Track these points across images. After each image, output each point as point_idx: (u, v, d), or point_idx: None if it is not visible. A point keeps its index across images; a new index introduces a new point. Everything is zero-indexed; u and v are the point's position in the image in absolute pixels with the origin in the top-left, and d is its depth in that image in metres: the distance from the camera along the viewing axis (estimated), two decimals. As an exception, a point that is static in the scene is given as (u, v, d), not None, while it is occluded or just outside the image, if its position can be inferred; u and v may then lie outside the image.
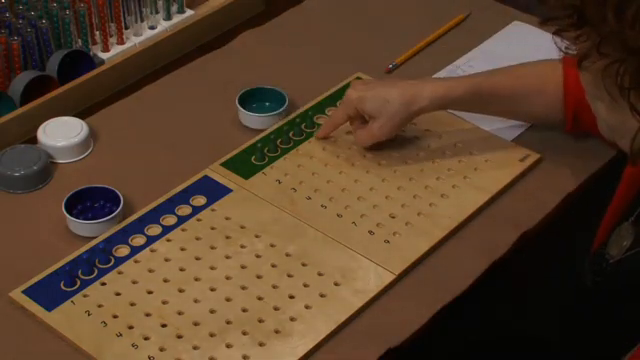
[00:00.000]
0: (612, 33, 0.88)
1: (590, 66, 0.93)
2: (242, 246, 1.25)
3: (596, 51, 0.91)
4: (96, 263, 1.21)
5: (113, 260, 1.22)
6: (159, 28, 1.61)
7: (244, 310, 1.17)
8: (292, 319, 1.16)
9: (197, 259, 1.23)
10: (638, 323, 1.05)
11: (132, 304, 1.17)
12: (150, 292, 1.19)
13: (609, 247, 1.15)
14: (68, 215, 1.26)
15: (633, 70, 0.90)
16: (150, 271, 1.21)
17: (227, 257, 1.23)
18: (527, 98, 1.35)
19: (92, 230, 1.25)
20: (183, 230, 1.27)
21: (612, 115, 0.97)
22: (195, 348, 1.13)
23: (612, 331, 1.14)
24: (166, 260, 1.23)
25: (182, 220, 1.28)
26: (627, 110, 0.92)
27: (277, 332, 1.15)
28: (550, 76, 1.34)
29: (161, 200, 1.31)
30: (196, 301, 1.18)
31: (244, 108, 1.44)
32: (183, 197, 1.31)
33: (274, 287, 1.20)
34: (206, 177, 1.34)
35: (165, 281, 1.20)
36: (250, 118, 1.44)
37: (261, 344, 1.13)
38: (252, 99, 1.46)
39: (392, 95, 1.31)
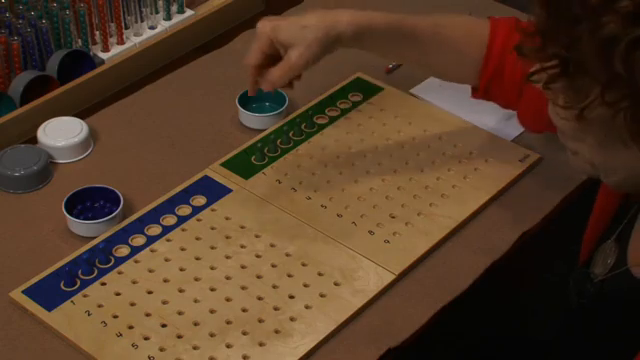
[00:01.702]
0: (617, 80, 0.84)
1: (586, 114, 0.88)
2: (242, 246, 1.25)
3: (600, 101, 0.85)
4: (96, 263, 1.21)
5: (113, 260, 1.22)
6: (159, 28, 1.61)
7: (244, 310, 1.17)
8: (292, 319, 1.16)
9: (197, 259, 1.23)
10: (627, 343, 1.02)
11: (132, 304, 1.17)
12: (150, 292, 1.19)
13: (593, 265, 1.11)
14: (68, 215, 1.26)
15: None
16: (150, 271, 1.21)
17: (227, 257, 1.23)
18: (444, 50, 1.27)
19: (92, 230, 1.25)
20: (183, 230, 1.27)
21: (599, 154, 0.93)
22: (195, 348, 1.13)
23: (607, 343, 1.12)
24: (166, 260, 1.23)
25: (182, 220, 1.28)
26: (616, 148, 0.89)
27: (277, 332, 1.15)
28: (475, 36, 1.28)
29: (161, 200, 1.31)
30: (196, 301, 1.18)
31: (244, 108, 1.44)
32: (183, 197, 1.31)
33: (274, 287, 1.20)
34: (206, 177, 1.34)
35: (165, 281, 1.20)
36: (250, 118, 1.44)
37: (261, 344, 1.13)
38: (252, 99, 1.46)
39: (310, 20, 1.22)
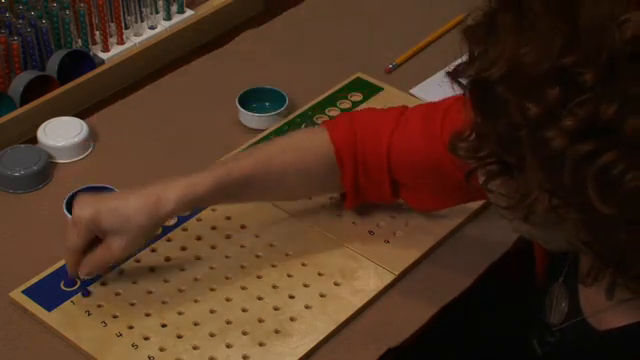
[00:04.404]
0: (564, 190, 0.77)
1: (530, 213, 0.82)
2: (242, 246, 1.25)
3: (544, 202, 0.79)
4: (96, 263, 1.22)
5: (113, 260, 1.22)
6: (159, 28, 1.61)
7: (244, 310, 1.17)
8: (292, 319, 1.16)
9: (197, 259, 1.23)
10: None
11: (132, 304, 1.17)
12: (150, 292, 1.19)
13: (547, 314, 1.06)
14: (69, 214, 1.25)
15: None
16: (150, 271, 1.21)
17: (227, 257, 1.23)
18: (285, 176, 1.19)
19: None
20: (183, 230, 1.27)
21: (539, 231, 0.88)
22: (195, 348, 1.13)
23: None
24: (166, 260, 1.23)
25: (182, 220, 1.28)
26: (558, 228, 0.83)
27: (277, 332, 1.14)
28: (314, 146, 1.20)
29: (161, 200, 1.31)
30: (196, 301, 1.18)
31: (244, 108, 1.44)
32: (183, 197, 1.31)
33: (274, 287, 1.20)
34: (206, 177, 1.34)
35: (165, 281, 1.20)
36: (250, 118, 1.44)
37: (261, 344, 1.13)
38: (252, 99, 1.46)
39: (132, 206, 1.11)
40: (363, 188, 1.22)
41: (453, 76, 0.83)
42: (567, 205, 0.78)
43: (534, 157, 0.77)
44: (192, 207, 1.18)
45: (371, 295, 1.19)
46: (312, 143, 1.21)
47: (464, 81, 0.82)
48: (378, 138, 1.19)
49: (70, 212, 1.23)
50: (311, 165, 1.20)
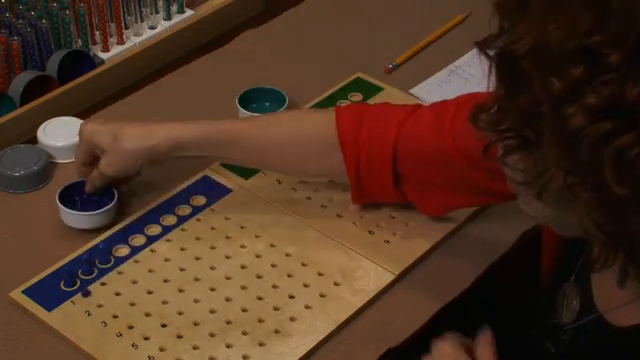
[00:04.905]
0: (580, 168, 0.78)
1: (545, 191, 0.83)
2: (242, 246, 1.25)
3: (559, 179, 0.80)
4: (96, 263, 1.21)
5: (113, 260, 1.22)
6: (159, 28, 1.61)
7: (244, 310, 1.17)
8: (292, 319, 1.16)
9: (197, 259, 1.23)
10: None
11: (132, 304, 1.17)
12: (150, 292, 1.19)
13: (558, 313, 1.06)
14: (62, 206, 1.25)
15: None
16: (150, 271, 1.21)
17: (227, 257, 1.23)
18: (280, 143, 1.22)
19: (86, 222, 1.25)
20: (183, 230, 1.27)
21: (553, 214, 0.88)
22: (195, 348, 1.13)
23: None
24: (166, 260, 1.23)
25: (182, 220, 1.28)
26: (573, 212, 0.84)
27: (277, 332, 1.14)
28: (318, 127, 1.22)
29: (161, 200, 1.31)
30: (196, 301, 1.18)
31: (244, 108, 1.44)
32: (183, 197, 1.31)
33: (274, 287, 1.20)
34: (206, 177, 1.34)
35: (165, 281, 1.20)
36: (250, 118, 1.44)
37: (261, 344, 1.13)
38: (252, 99, 1.46)
39: (126, 133, 1.22)
40: (365, 177, 1.22)
41: (481, 47, 0.84)
42: (582, 184, 0.79)
43: (553, 134, 0.78)
44: (177, 148, 1.23)
45: (371, 295, 1.19)
46: (315, 117, 1.23)
47: (491, 53, 0.83)
48: (387, 127, 1.19)
49: (64, 204, 1.26)
50: (310, 138, 1.22)
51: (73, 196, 1.28)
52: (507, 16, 0.83)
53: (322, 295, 1.19)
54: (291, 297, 1.19)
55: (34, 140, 1.40)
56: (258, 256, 1.24)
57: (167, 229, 1.27)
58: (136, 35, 1.60)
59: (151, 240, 1.25)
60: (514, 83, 0.81)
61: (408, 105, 1.24)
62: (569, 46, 0.76)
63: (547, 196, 0.83)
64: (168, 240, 1.25)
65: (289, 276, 1.21)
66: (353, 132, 1.20)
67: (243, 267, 1.22)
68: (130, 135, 1.22)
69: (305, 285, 1.20)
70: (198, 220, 1.28)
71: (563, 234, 0.95)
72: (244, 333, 1.14)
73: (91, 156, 1.26)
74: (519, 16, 0.81)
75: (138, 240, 1.25)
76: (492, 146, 0.86)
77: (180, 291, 1.19)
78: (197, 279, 1.21)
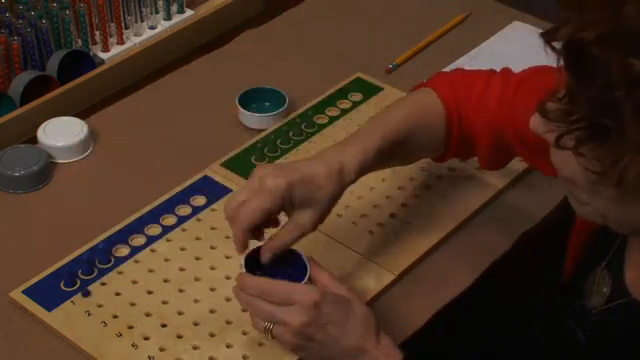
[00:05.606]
0: None
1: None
2: (242, 246, 1.25)
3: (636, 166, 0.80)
4: (96, 263, 1.21)
5: (113, 260, 1.22)
6: (159, 28, 1.61)
7: (244, 310, 1.17)
8: (292, 319, 1.16)
9: (197, 259, 1.23)
10: None
11: (132, 304, 1.17)
12: (150, 292, 1.19)
13: (587, 297, 1.06)
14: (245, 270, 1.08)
15: None
16: (150, 271, 1.21)
17: (227, 257, 1.23)
18: (418, 136, 1.18)
19: None
20: (183, 230, 1.27)
21: (615, 208, 0.89)
22: (195, 348, 1.13)
23: None
24: (166, 260, 1.23)
25: (182, 220, 1.28)
26: (635, 204, 0.85)
27: (277, 332, 1.14)
28: (430, 107, 1.20)
29: (161, 200, 1.31)
30: (196, 301, 1.18)
31: (244, 108, 1.44)
32: (183, 197, 1.31)
33: (274, 287, 1.20)
34: (206, 177, 1.34)
35: (165, 281, 1.20)
36: (250, 118, 1.44)
37: (261, 344, 1.13)
38: (252, 99, 1.46)
39: (322, 177, 1.07)
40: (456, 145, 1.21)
41: (547, 39, 0.83)
42: None
43: (633, 116, 0.78)
44: (361, 174, 1.13)
45: (371, 295, 1.19)
46: (429, 105, 1.19)
47: (557, 45, 0.82)
48: (469, 98, 1.19)
49: (248, 269, 1.08)
50: (432, 126, 1.18)
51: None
52: (570, 6, 0.82)
53: (322, 295, 1.19)
54: (291, 297, 1.18)
55: (34, 140, 1.40)
56: (258, 256, 1.24)
57: (167, 229, 1.27)
58: (136, 35, 1.60)
59: (151, 240, 1.25)
60: (585, 71, 0.80)
61: (483, 71, 1.23)
62: None
63: (624, 185, 0.83)
64: (168, 240, 1.25)
65: (289, 276, 1.21)
66: (455, 108, 1.19)
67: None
68: (328, 179, 1.07)
69: (305, 285, 1.20)
70: (198, 220, 1.28)
71: (621, 231, 0.95)
72: (244, 333, 1.14)
73: (270, 213, 1.07)
74: (584, 3, 0.80)
75: (138, 240, 1.25)
76: (563, 136, 0.84)
77: (180, 291, 1.19)
78: (197, 279, 1.21)
